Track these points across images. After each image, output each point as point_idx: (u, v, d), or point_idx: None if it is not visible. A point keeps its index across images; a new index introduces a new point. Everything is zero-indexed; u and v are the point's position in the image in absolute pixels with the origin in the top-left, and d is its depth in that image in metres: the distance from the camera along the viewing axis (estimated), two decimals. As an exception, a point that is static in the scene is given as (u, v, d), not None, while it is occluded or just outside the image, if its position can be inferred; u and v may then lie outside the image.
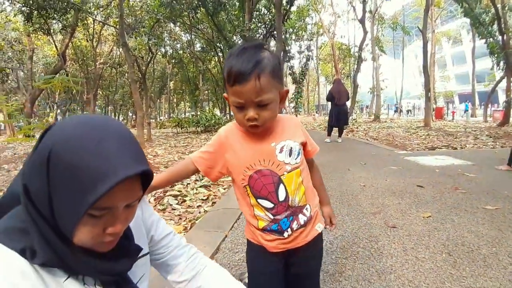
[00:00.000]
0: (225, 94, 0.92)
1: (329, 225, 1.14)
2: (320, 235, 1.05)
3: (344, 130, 8.54)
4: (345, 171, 4.33)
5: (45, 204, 0.53)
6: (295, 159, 0.96)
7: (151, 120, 20.56)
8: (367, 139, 8.74)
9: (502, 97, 30.53)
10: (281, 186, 0.93)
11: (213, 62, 25.00)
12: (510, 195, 3.00)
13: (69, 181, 0.50)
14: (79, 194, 0.51)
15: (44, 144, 0.54)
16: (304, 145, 1.01)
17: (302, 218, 0.97)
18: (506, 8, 12.87)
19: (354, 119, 16.85)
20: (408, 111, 32.81)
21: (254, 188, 0.94)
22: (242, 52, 0.84)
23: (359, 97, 22.38)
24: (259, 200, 0.94)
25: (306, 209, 0.98)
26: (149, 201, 3.23)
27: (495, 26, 12.84)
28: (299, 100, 21.62)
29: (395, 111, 31.21)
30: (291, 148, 0.95)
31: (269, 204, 0.94)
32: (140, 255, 0.70)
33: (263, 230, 0.97)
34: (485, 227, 2.28)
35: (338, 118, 7.85)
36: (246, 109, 0.85)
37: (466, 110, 23.39)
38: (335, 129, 8.17)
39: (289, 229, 0.96)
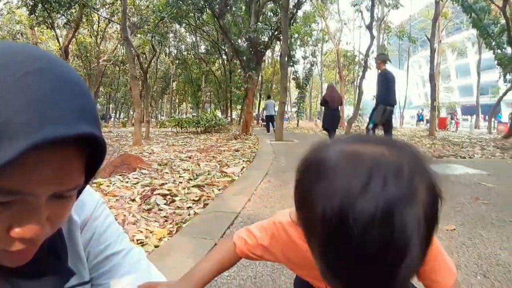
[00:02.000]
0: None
1: None
2: None
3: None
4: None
5: None
6: None
7: (151, 119, 20.35)
8: (372, 146, 8.51)
9: (504, 110, 30.34)
10: None
11: (216, 64, 24.89)
12: (538, 209, 2.72)
13: None
14: None
15: None
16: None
17: None
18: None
19: (357, 125, 16.63)
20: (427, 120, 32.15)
21: None
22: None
23: (362, 104, 22.20)
24: None
25: None
26: (134, 200, 2.86)
27: (504, 38, 12.65)
28: (301, 105, 21.54)
29: (420, 120, 30.08)
30: None
31: None
32: (75, 283, 0.43)
33: None
34: (517, 244, 2.01)
35: (331, 122, 8.15)
36: None
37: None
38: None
39: None
